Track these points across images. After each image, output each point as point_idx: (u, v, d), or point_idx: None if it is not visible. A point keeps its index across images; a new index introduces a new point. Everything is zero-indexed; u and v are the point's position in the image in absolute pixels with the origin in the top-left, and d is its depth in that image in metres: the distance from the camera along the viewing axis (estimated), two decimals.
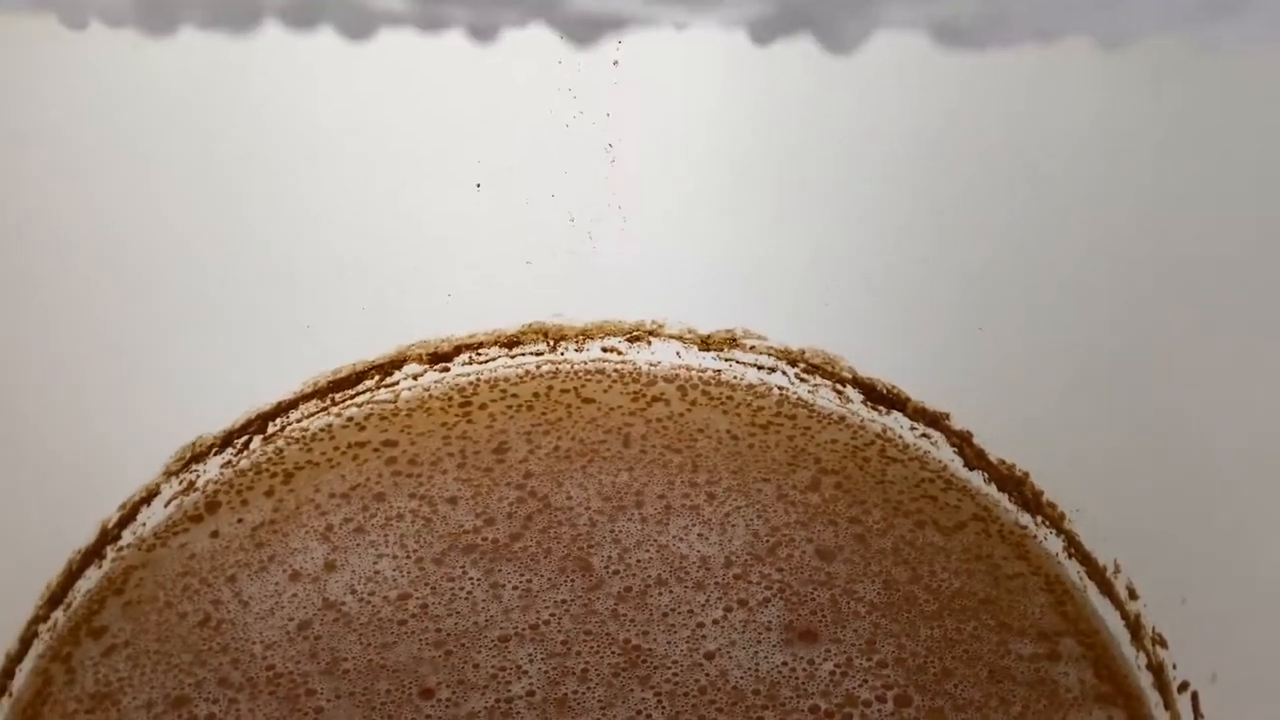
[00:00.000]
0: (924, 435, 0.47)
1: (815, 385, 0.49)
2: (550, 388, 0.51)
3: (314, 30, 0.16)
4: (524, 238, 0.49)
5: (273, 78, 0.43)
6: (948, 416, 0.46)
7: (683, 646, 0.39)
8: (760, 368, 0.50)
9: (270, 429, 0.47)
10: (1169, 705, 0.36)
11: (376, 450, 0.47)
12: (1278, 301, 0.33)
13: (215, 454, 0.46)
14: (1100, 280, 0.40)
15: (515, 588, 0.41)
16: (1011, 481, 0.44)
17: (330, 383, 0.48)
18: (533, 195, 0.48)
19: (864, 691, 0.38)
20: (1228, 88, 0.34)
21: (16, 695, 0.38)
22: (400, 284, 0.48)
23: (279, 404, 0.47)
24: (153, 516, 0.44)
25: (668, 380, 0.51)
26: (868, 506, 0.44)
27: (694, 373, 0.51)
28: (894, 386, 0.47)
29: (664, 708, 0.37)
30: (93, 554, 0.41)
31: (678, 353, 0.51)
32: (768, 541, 0.43)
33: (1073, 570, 0.42)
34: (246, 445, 0.46)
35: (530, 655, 0.39)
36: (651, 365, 0.51)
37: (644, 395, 0.50)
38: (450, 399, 0.50)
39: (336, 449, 0.47)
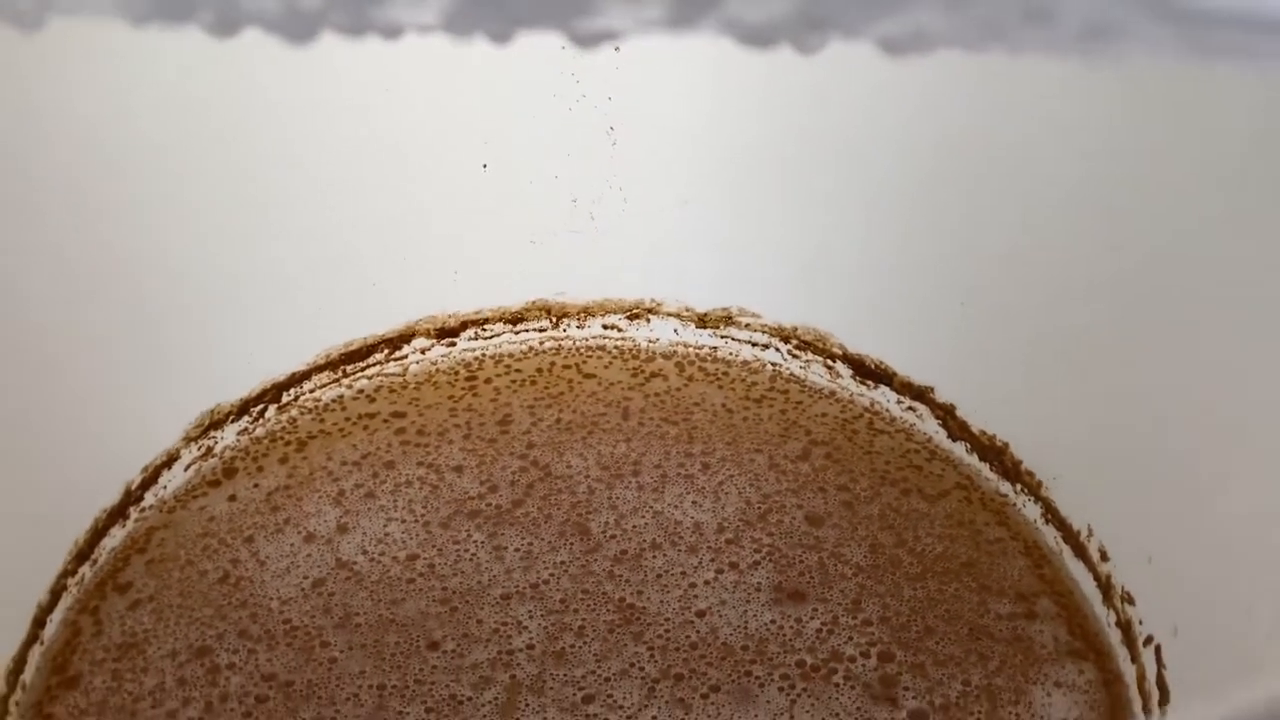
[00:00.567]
0: (910, 408, 0.49)
1: (807, 361, 0.51)
2: (553, 363, 0.53)
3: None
4: (528, 218, 0.51)
5: (282, 62, 0.45)
6: (932, 390, 0.48)
7: (675, 605, 0.41)
8: (754, 344, 0.52)
9: (284, 399, 0.49)
10: (1135, 659, 0.38)
11: (386, 421, 0.49)
12: (1242, 281, 0.35)
13: (232, 422, 0.48)
14: (1075, 263, 0.42)
15: (517, 550, 0.43)
16: (992, 451, 0.46)
17: (342, 355, 0.50)
18: (537, 176, 0.50)
19: (849, 648, 0.40)
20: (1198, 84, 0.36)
21: (48, 644, 0.40)
22: (409, 261, 0.50)
23: (293, 375, 0.49)
24: (173, 480, 0.46)
25: (666, 357, 0.53)
26: (855, 475, 0.47)
27: (691, 349, 0.53)
28: (881, 362, 0.49)
29: (656, 661, 0.39)
30: (117, 514, 0.44)
31: (675, 330, 0.53)
32: (759, 508, 0.45)
33: (1050, 535, 0.44)
34: (262, 414, 0.49)
35: (530, 612, 0.41)
36: (650, 342, 0.53)
37: (643, 371, 0.52)
38: (456, 373, 0.52)
39: (348, 419, 0.50)
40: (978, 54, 0.17)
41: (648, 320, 0.53)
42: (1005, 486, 0.46)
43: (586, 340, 0.54)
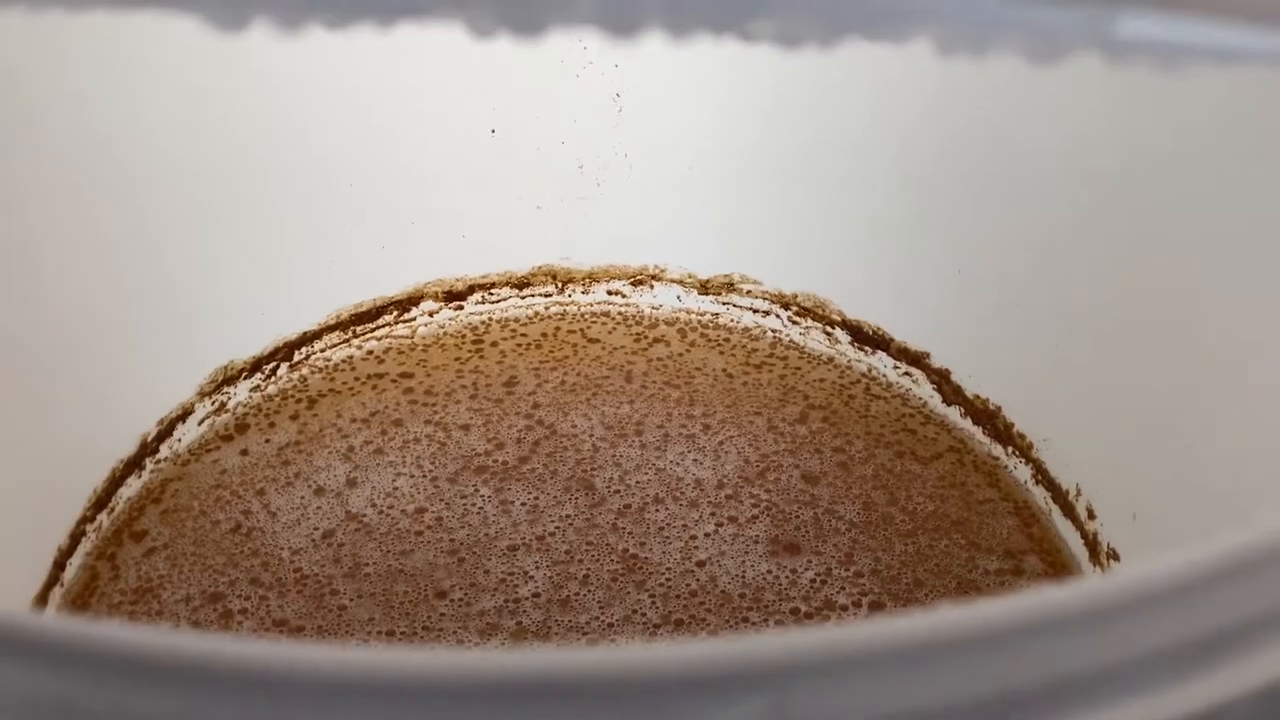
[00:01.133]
0: (906, 374, 0.50)
1: (806, 328, 0.52)
2: (558, 328, 0.54)
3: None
4: (535, 184, 0.52)
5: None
6: (928, 356, 0.49)
7: (676, 556, 0.43)
8: (755, 311, 0.53)
9: (296, 358, 0.50)
10: None
11: (394, 381, 0.51)
12: (1231, 242, 0.36)
13: (245, 378, 0.49)
14: (1067, 232, 0.43)
15: (523, 504, 0.45)
16: (985, 415, 0.47)
17: (352, 316, 0.52)
18: (543, 142, 0.51)
19: (841, 598, 0.41)
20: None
21: (67, 586, 0.41)
22: (418, 225, 0.51)
23: (304, 334, 0.50)
24: (187, 434, 0.47)
25: (668, 323, 0.54)
26: (851, 438, 0.48)
27: (693, 315, 0.54)
28: (879, 328, 0.50)
29: (657, 608, 0.41)
30: (133, 464, 0.45)
31: (678, 296, 0.54)
32: (758, 467, 0.46)
33: (1039, 495, 0.45)
34: (274, 371, 0.50)
35: (536, 563, 0.42)
36: (653, 308, 0.55)
37: (646, 336, 0.53)
38: (463, 336, 0.53)
39: (357, 379, 0.51)
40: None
41: (651, 286, 0.54)
42: (997, 449, 0.47)
43: (591, 306, 0.55)
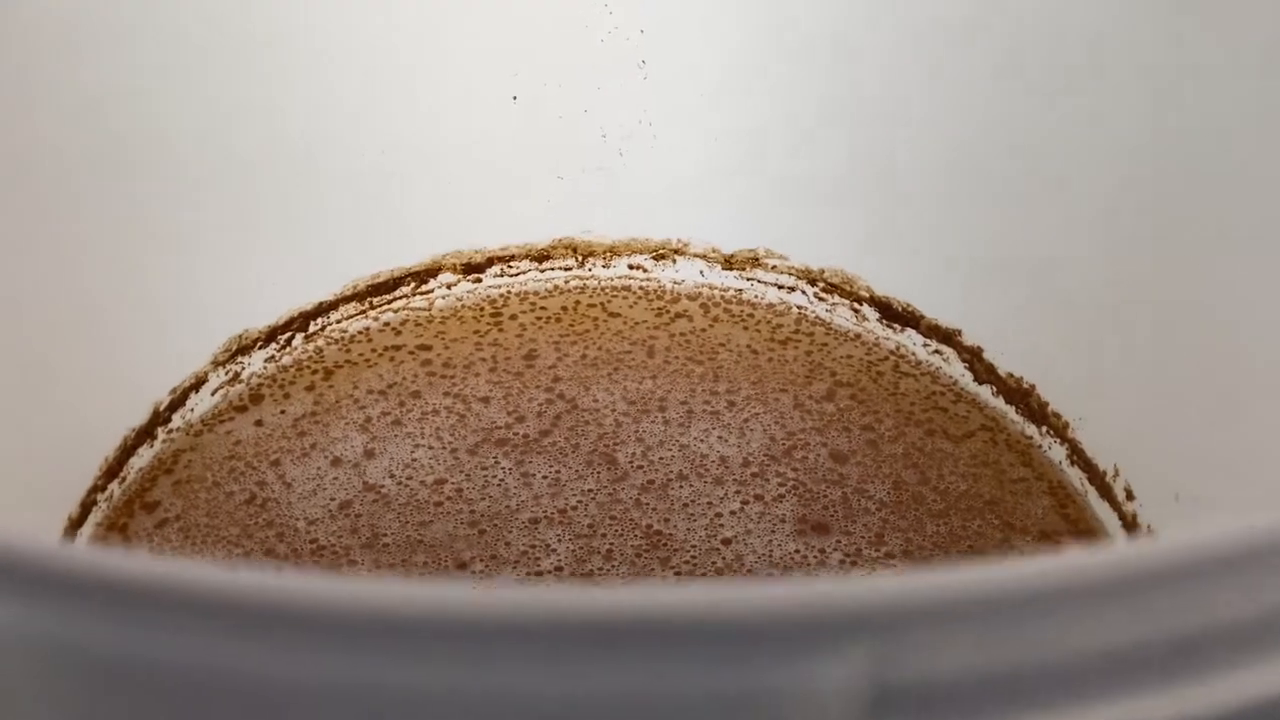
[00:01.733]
0: (936, 351, 0.49)
1: (833, 304, 0.51)
2: (578, 302, 0.53)
3: None
4: (556, 153, 0.51)
5: None
6: (960, 333, 0.48)
7: (701, 533, 0.41)
8: (781, 287, 0.52)
9: (311, 328, 0.49)
10: None
11: (412, 353, 0.50)
12: (1274, 211, 0.35)
13: (260, 348, 0.48)
14: (1103, 202, 0.42)
15: (545, 477, 0.44)
16: (1019, 394, 0.46)
17: (369, 287, 0.51)
18: (566, 110, 0.50)
19: None
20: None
21: None
22: (437, 195, 0.50)
23: (320, 305, 0.49)
24: (200, 404, 0.46)
25: (691, 298, 0.53)
26: (880, 416, 0.47)
27: (716, 291, 0.53)
28: (909, 305, 0.49)
29: (683, 585, 0.40)
30: (145, 433, 0.44)
31: (701, 271, 0.53)
32: (784, 445, 0.45)
33: (1075, 477, 0.44)
34: (289, 342, 0.49)
35: (559, 536, 0.41)
36: (675, 283, 0.53)
37: (668, 311, 0.52)
38: (482, 309, 0.52)
39: (374, 350, 0.50)
40: None
41: (674, 261, 0.53)
42: (1031, 429, 0.46)
43: (612, 280, 0.54)
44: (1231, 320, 0.37)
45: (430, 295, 0.52)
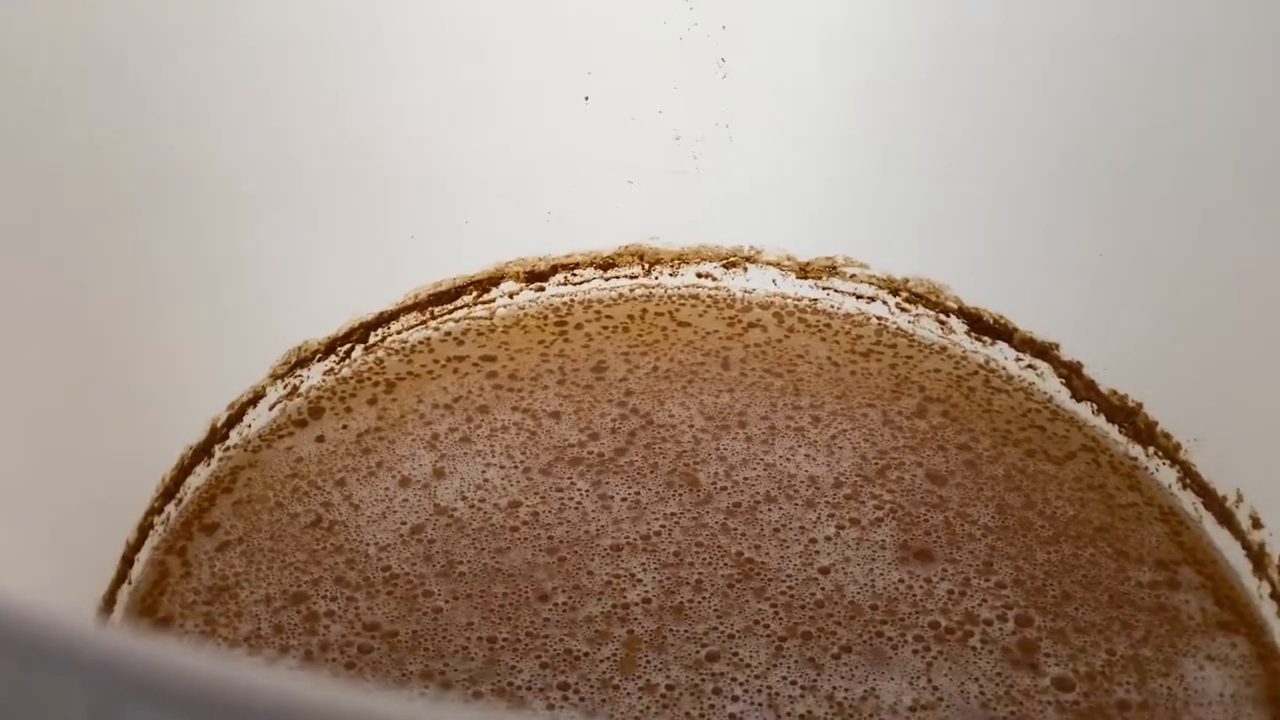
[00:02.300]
0: (1029, 366, 0.46)
1: (916, 315, 0.49)
2: (645, 310, 0.50)
3: None
4: (627, 155, 0.48)
5: None
6: (1057, 347, 0.45)
7: (796, 561, 0.39)
8: (859, 297, 0.50)
9: (371, 339, 0.47)
10: None
11: (476, 364, 0.47)
12: None
13: (319, 360, 0.45)
14: (1224, 206, 0.40)
15: (624, 499, 0.41)
16: (1123, 412, 0.43)
17: (430, 296, 0.48)
18: (639, 111, 0.47)
19: (984, 610, 0.37)
20: None
21: (135, 584, 0.38)
22: (501, 199, 0.48)
23: (380, 314, 0.47)
24: (258, 419, 0.44)
25: (763, 307, 0.50)
26: (976, 434, 0.44)
27: (790, 300, 0.50)
28: (1001, 316, 0.47)
29: (781, 619, 0.37)
30: (203, 451, 0.41)
31: (774, 280, 0.51)
32: (876, 464, 0.43)
33: (1187, 501, 0.41)
34: (349, 354, 0.46)
35: (644, 564, 0.39)
36: (746, 292, 0.51)
37: (739, 321, 0.50)
38: (545, 318, 0.50)
39: (436, 361, 0.47)
40: None
41: (745, 269, 0.51)
42: (1135, 449, 0.43)
43: (679, 289, 0.51)
44: None
45: (492, 304, 0.49)
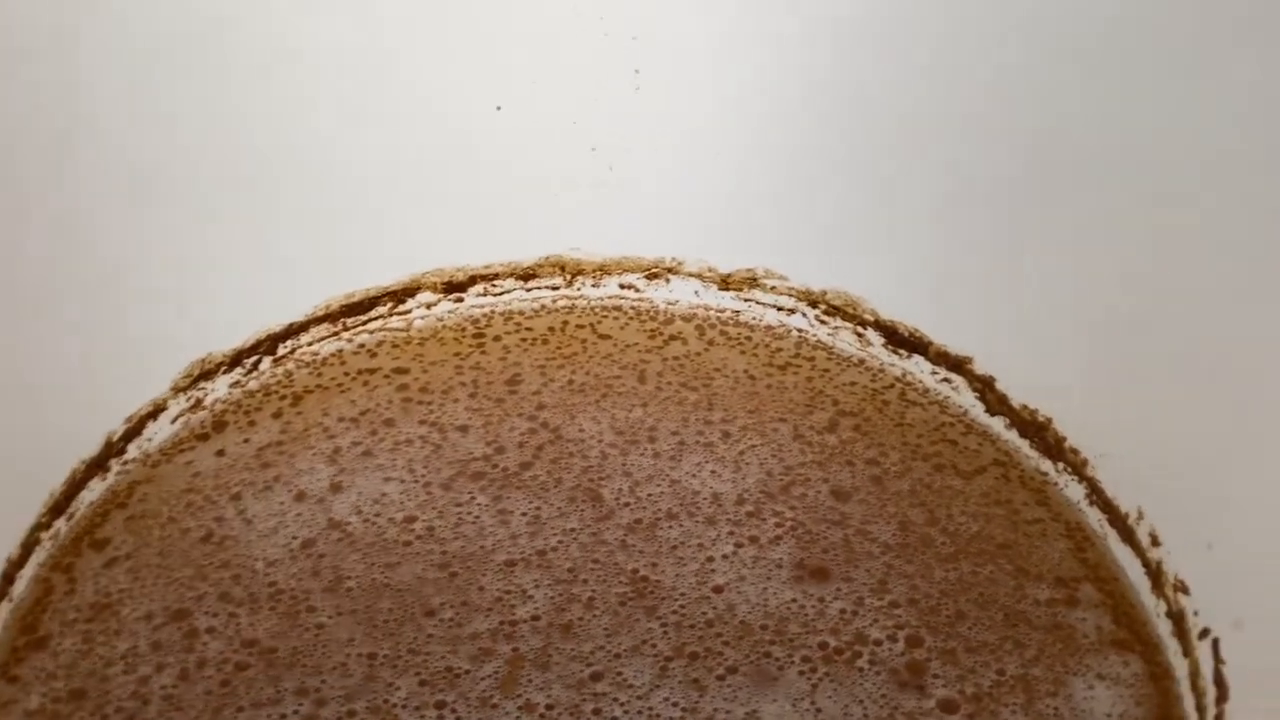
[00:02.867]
0: (945, 380, 0.46)
1: (836, 327, 0.48)
2: (565, 322, 0.50)
3: None
4: (543, 166, 0.48)
5: None
6: (970, 361, 0.45)
7: (691, 579, 0.38)
8: (780, 309, 0.49)
9: (280, 351, 0.46)
10: (1188, 653, 0.35)
11: (387, 377, 0.47)
12: None
13: (224, 373, 0.45)
14: (1130, 226, 0.39)
15: (524, 515, 0.41)
16: (1033, 427, 0.43)
17: (343, 307, 0.48)
18: (554, 121, 0.47)
19: (875, 630, 0.37)
20: None
21: (17, 601, 0.37)
22: (415, 208, 0.47)
23: (290, 326, 0.46)
24: (159, 432, 0.43)
25: (685, 319, 0.50)
26: (886, 449, 0.43)
27: (712, 312, 0.50)
28: (916, 330, 0.46)
29: (669, 638, 0.36)
30: (97, 466, 0.41)
31: (696, 291, 0.50)
32: (782, 480, 0.42)
33: (1093, 518, 0.40)
34: (256, 366, 0.46)
35: (536, 581, 0.38)
36: (669, 304, 0.50)
37: (661, 333, 0.49)
38: (463, 329, 0.49)
39: (347, 374, 0.47)
40: None
41: (667, 281, 0.50)
42: (1046, 465, 0.42)
43: (602, 300, 0.51)
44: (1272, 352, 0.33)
45: (409, 316, 0.49)
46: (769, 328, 0.49)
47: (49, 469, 0.39)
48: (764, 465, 0.43)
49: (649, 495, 0.42)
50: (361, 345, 0.48)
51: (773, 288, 0.49)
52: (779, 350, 0.48)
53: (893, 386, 0.46)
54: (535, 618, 0.37)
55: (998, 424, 0.44)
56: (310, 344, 0.47)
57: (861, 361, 0.47)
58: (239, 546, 0.39)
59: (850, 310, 0.48)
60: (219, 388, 0.45)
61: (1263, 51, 0.34)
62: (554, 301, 0.51)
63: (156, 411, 0.43)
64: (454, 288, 0.50)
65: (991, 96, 0.42)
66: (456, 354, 0.48)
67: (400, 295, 0.49)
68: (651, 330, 0.49)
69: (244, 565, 0.39)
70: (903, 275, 0.46)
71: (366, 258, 0.47)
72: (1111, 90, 0.39)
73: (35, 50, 0.38)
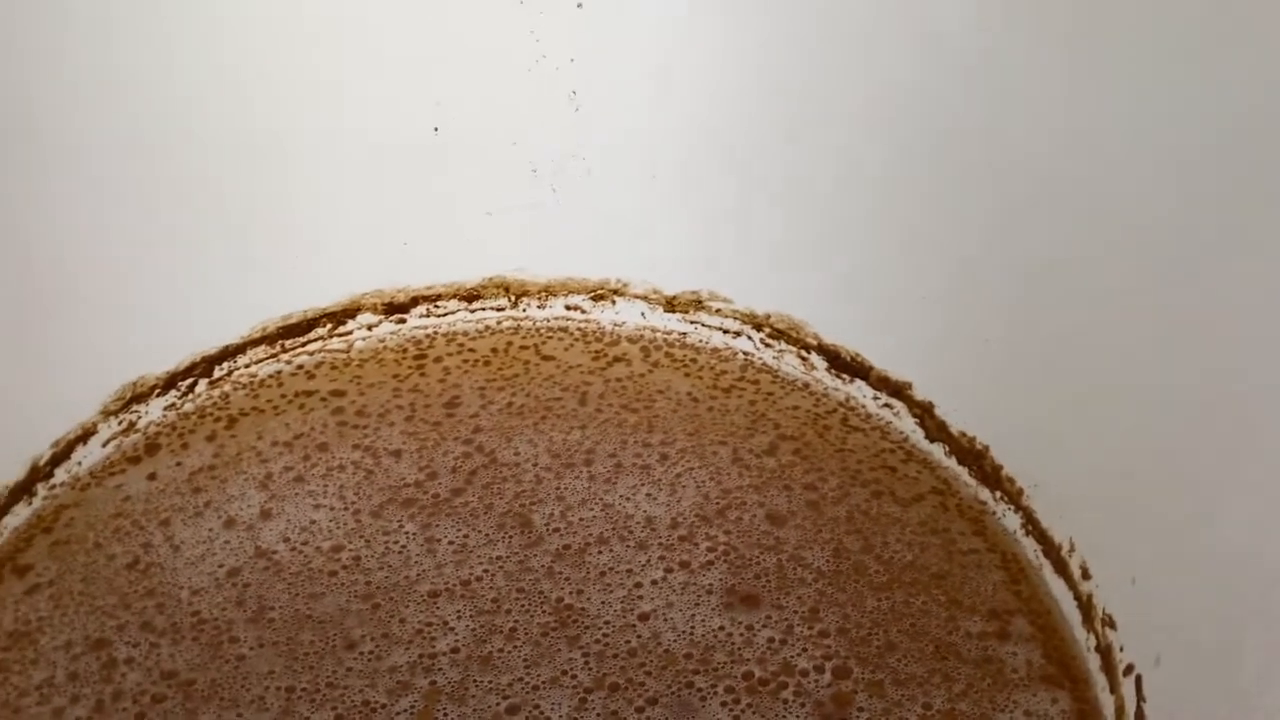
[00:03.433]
0: (886, 405, 0.45)
1: (780, 351, 0.48)
2: (510, 344, 0.49)
3: None
4: (484, 187, 0.47)
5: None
6: (910, 386, 0.44)
7: (616, 607, 0.38)
8: (726, 331, 0.49)
9: (216, 373, 0.46)
10: (1114, 689, 0.34)
11: (324, 400, 0.46)
12: (1243, 280, 0.31)
13: (158, 396, 0.44)
14: (1066, 258, 0.38)
15: (451, 543, 0.40)
16: (972, 455, 0.42)
17: (280, 329, 0.47)
18: (492, 143, 0.46)
19: (802, 660, 0.36)
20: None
21: None
22: (354, 229, 0.47)
23: (226, 348, 0.46)
24: (90, 456, 0.43)
25: (631, 340, 0.50)
26: (825, 474, 0.43)
27: (659, 334, 0.50)
28: (858, 354, 0.46)
29: (590, 669, 0.36)
30: (21, 490, 0.40)
31: (643, 313, 0.50)
32: (718, 504, 0.42)
33: (1029, 548, 0.40)
34: (191, 388, 0.45)
35: (459, 612, 0.38)
36: (615, 325, 0.50)
37: (605, 355, 0.49)
38: (404, 350, 0.49)
39: (284, 397, 0.46)
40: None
41: (613, 302, 0.50)
42: (984, 493, 0.42)
43: (547, 321, 0.50)
44: (1208, 391, 0.33)
45: (349, 337, 0.49)
46: (715, 350, 0.49)
47: None
48: (701, 488, 0.42)
49: (580, 520, 0.41)
50: (300, 367, 0.47)
51: (718, 310, 0.49)
52: (724, 373, 0.48)
53: (835, 411, 0.46)
54: (455, 650, 0.37)
55: (938, 451, 0.44)
56: (248, 366, 0.47)
57: (806, 385, 0.47)
58: (164, 574, 0.39)
59: (793, 334, 0.47)
60: (153, 410, 0.44)
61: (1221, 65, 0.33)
62: (499, 323, 0.50)
63: (86, 435, 0.43)
64: (395, 309, 0.49)
65: (936, 121, 0.41)
66: (395, 376, 0.47)
67: (340, 316, 0.48)
68: (596, 352, 0.49)
69: (168, 594, 0.38)
70: (843, 300, 0.46)
71: (303, 279, 0.47)
72: (1066, 113, 0.38)
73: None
